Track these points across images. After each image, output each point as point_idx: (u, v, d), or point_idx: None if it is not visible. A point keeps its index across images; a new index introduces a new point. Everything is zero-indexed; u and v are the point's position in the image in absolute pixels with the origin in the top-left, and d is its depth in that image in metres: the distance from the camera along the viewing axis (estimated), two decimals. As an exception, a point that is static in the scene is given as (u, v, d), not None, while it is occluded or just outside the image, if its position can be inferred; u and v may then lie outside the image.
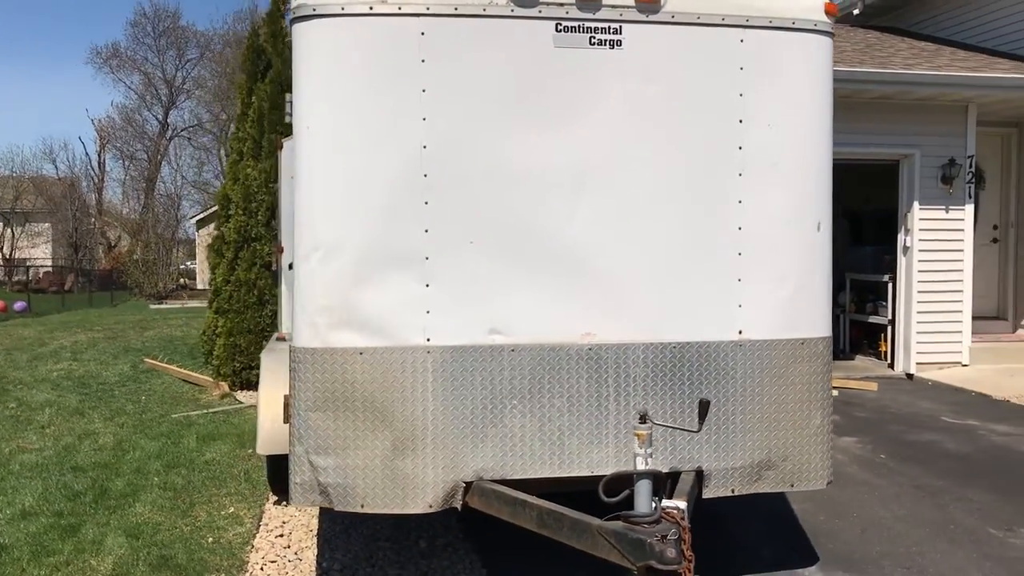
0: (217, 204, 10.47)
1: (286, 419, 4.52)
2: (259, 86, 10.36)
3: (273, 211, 10.04)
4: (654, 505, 3.58)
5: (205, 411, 8.82)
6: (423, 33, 4.16)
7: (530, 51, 4.24)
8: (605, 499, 3.63)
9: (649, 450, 3.66)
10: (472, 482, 4.28)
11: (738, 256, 4.45)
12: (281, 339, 6.75)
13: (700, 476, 4.45)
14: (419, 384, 4.25)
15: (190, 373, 10.97)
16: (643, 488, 3.57)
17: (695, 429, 3.71)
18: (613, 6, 4.25)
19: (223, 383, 10.06)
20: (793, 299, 4.52)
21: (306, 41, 4.20)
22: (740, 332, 4.46)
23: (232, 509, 5.82)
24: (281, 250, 9.32)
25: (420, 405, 4.25)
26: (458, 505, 4.28)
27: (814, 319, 4.57)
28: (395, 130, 4.21)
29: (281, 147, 9.31)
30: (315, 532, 5.66)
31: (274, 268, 9.49)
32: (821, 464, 4.61)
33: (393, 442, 4.24)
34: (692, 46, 4.34)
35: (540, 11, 4.22)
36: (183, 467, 6.73)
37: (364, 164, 4.21)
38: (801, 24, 4.45)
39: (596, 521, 3.65)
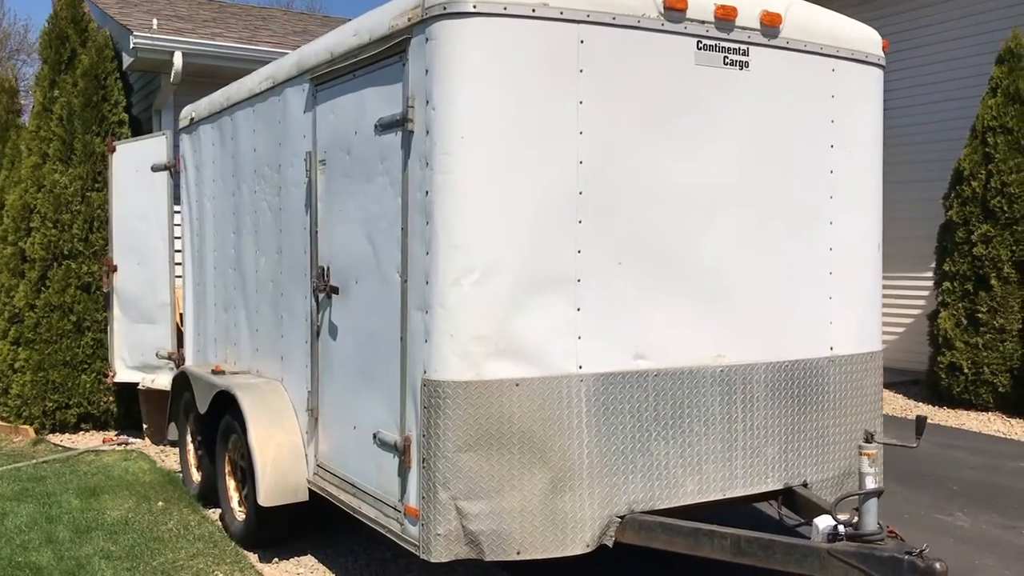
0: (7, 215, 8.84)
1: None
2: (63, 78, 8.90)
3: (92, 223, 8.70)
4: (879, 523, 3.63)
5: (30, 462, 7.40)
6: (582, 41, 3.91)
7: (675, 67, 4.13)
8: (836, 520, 3.63)
9: (877, 469, 3.72)
10: (625, 516, 4.06)
11: (829, 275, 4.64)
12: (218, 372, 5.90)
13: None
14: (574, 415, 3.96)
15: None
16: (872, 507, 3.61)
17: (913, 444, 3.82)
18: (743, 27, 4.27)
19: (28, 428, 8.49)
20: (866, 315, 4.81)
21: (460, 41, 3.76)
22: (831, 348, 4.65)
23: (220, 574, 4.97)
24: (114, 268, 8.16)
25: (576, 438, 3.96)
26: (610, 542, 4.04)
27: (878, 333, 4.89)
28: (555, 143, 3.90)
29: (113, 150, 8.20)
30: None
31: (105, 289, 8.26)
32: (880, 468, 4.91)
33: (552, 480, 3.91)
34: (799, 72, 4.47)
35: (685, 27, 4.13)
36: (99, 531, 5.61)
37: (524, 179, 3.86)
38: (871, 58, 4.74)
39: (824, 545, 3.63)
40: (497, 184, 3.83)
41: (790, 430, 4.51)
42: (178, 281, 7.68)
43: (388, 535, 4.18)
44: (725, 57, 4.25)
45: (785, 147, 4.46)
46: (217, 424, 5.80)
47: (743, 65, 4.30)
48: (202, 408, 5.81)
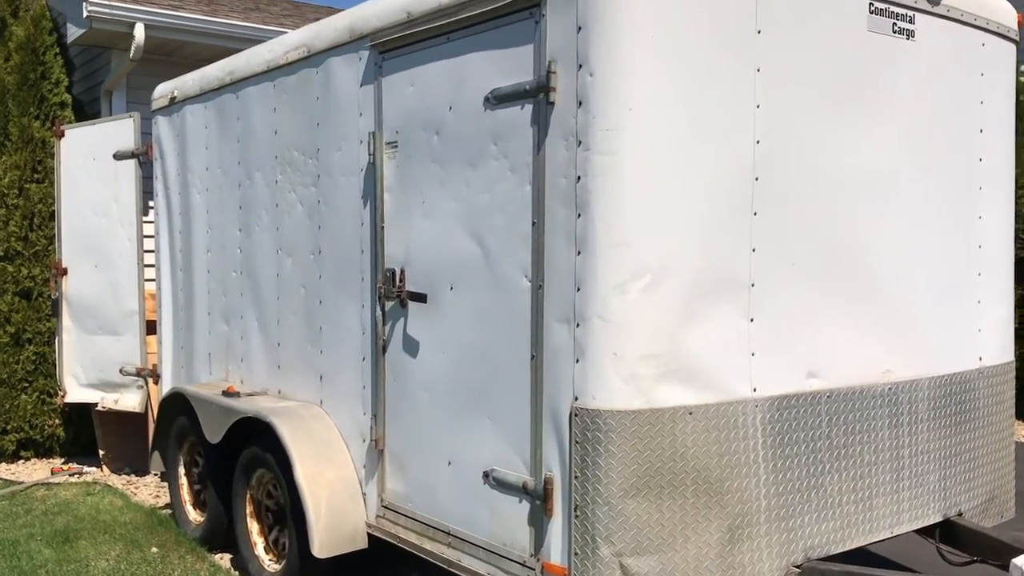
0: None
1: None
2: (-8, 53, 7.72)
3: (32, 220, 7.56)
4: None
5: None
6: (761, -4, 3.25)
7: (848, 33, 3.52)
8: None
9: None
10: (802, 565, 3.42)
11: (978, 276, 4.12)
12: (231, 393, 5.00)
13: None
14: (750, 448, 3.30)
15: None
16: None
17: None
18: (911, -10, 3.69)
19: (-47, 457, 7.31)
20: (1007, 319, 4.31)
21: (617, -4, 3.04)
22: (980, 359, 4.13)
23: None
24: (63, 272, 7.08)
25: (753, 475, 3.30)
26: (784, 596, 3.40)
27: (1012, 339, 4.39)
28: (730, 118, 3.23)
29: (62, 135, 7.11)
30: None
31: (52, 296, 7.17)
32: (1012, 489, 4.43)
33: (729, 527, 3.24)
34: (957, 46, 3.93)
35: (859, -14, 3.52)
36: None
37: (698, 160, 3.18)
38: (1010, 33, 4.25)
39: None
40: (670, 167, 3.13)
41: (948, 453, 3.97)
42: (148, 286, 6.67)
43: (512, 597, 3.43)
44: (894, 24, 3.66)
45: (942, 132, 3.91)
46: (232, 456, 4.90)
47: (909, 34, 3.71)
48: (214, 437, 4.90)
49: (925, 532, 3.98)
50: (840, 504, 3.55)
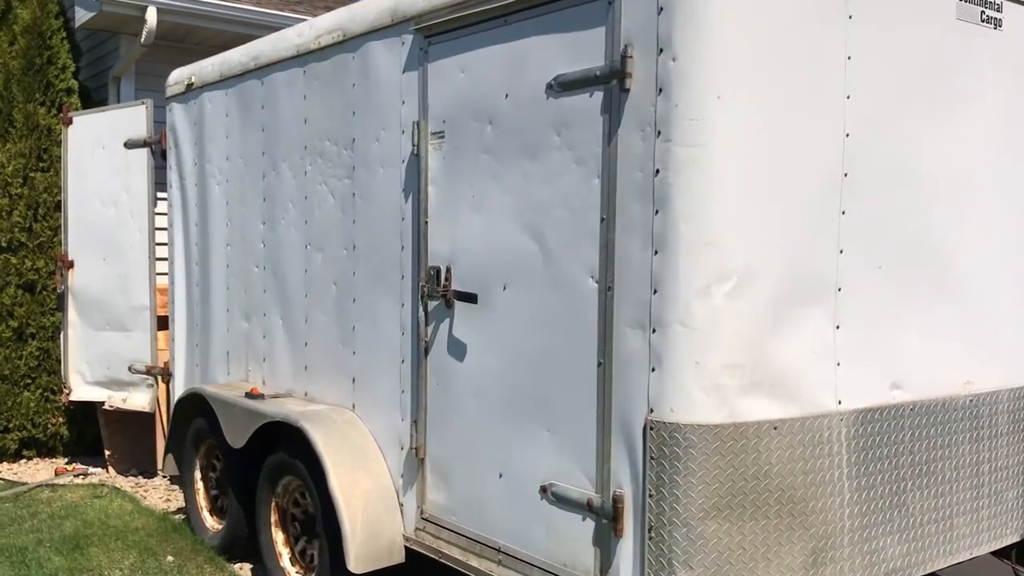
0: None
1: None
2: (-4, 36, 7.43)
3: (37, 210, 7.27)
4: None
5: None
6: (854, -22, 3.01)
7: (938, 20, 3.30)
8: None
9: None
10: (884, 590, 3.20)
11: (1054, 282, 3.89)
12: (255, 395, 4.74)
13: None
14: (835, 464, 3.07)
15: None
16: None
17: None
18: (1000, -24, 3.46)
19: (-50, 456, 7.03)
20: (1081, 329, 4.08)
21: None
22: (1055, 369, 3.90)
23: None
24: (69, 264, 6.80)
25: (837, 494, 3.07)
26: (866, 625, 3.17)
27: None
28: (820, 109, 3.00)
29: (69, 122, 6.84)
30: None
31: (57, 289, 6.89)
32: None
33: (812, 549, 3.01)
34: (1041, 36, 3.70)
35: (951, -31, 3.29)
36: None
37: (787, 154, 2.94)
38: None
39: None
40: (759, 160, 2.89)
41: (1020, 469, 3.74)
42: (159, 280, 6.41)
43: (573, 621, 3.19)
44: (982, 12, 3.43)
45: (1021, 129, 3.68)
46: (255, 461, 4.65)
47: (997, 24, 3.49)
48: (237, 441, 4.64)
49: (1001, 553, 3.76)
50: (921, 524, 3.32)
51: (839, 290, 3.07)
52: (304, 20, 7.68)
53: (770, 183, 2.90)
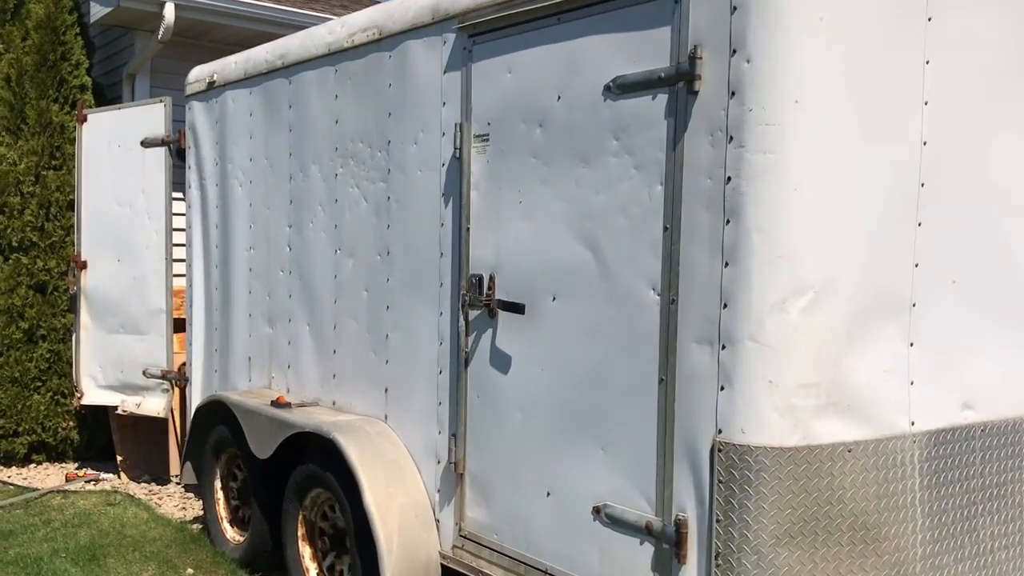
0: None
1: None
2: (8, 30, 7.25)
3: (49, 209, 7.11)
4: None
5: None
6: (933, -21, 2.87)
7: (1016, 23, 3.14)
8: None
9: None
10: (955, 623, 3.05)
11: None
12: (281, 403, 4.59)
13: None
14: (907, 489, 2.92)
15: None
16: None
17: None
18: (1076, -23, 3.31)
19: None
20: None
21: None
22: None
23: None
24: (83, 265, 6.65)
25: (910, 519, 2.92)
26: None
27: None
28: (897, 117, 2.86)
29: (84, 120, 6.69)
30: None
31: (70, 291, 6.74)
32: None
33: (885, 579, 2.86)
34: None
35: (1029, -31, 3.14)
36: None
37: (863, 165, 2.80)
38: None
39: None
40: (836, 168, 2.75)
41: (1088, 492, 3.59)
42: (176, 282, 6.25)
43: (628, 650, 3.04)
44: (1059, 16, 3.28)
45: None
46: (280, 472, 4.49)
47: (1071, 26, 3.33)
48: (263, 452, 4.48)
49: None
50: (992, 550, 3.18)
51: (913, 306, 2.92)
52: (322, 17, 7.58)
53: (846, 192, 2.76)
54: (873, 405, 2.84)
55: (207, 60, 5.63)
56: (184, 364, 6.04)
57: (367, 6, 8.81)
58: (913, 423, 2.94)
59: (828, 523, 2.75)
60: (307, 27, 4.97)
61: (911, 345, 2.93)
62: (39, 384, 7.04)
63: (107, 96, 7.73)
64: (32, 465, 7.07)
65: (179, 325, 6.22)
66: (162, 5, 6.77)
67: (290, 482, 4.42)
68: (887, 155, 2.83)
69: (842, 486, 2.77)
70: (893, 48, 2.82)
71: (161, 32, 6.83)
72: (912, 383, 2.94)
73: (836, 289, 2.74)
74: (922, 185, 2.91)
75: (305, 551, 4.40)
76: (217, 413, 5.07)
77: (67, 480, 6.66)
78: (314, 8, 8.06)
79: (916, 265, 2.92)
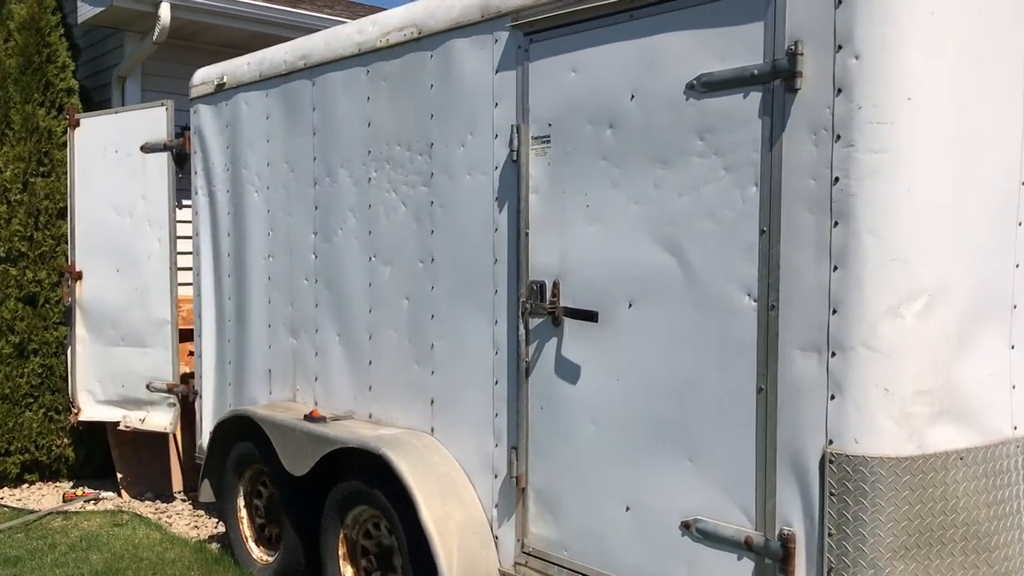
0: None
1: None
2: (-10, 33, 6.95)
3: (38, 218, 6.82)
4: None
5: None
6: (1037, -32, 2.80)
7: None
8: None
9: None
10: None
11: None
12: (316, 417, 4.41)
13: None
14: (1013, 495, 2.85)
15: None
16: None
17: None
18: None
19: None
20: None
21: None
22: None
23: None
24: (78, 276, 6.38)
25: (1017, 527, 2.85)
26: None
27: None
28: (1001, 115, 2.78)
29: (76, 124, 6.42)
30: None
31: (65, 303, 6.47)
32: None
33: (997, 589, 2.78)
34: None
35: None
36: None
37: (970, 164, 2.72)
38: None
39: None
40: (946, 168, 2.66)
41: None
42: (181, 292, 6.02)
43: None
44: None
45: None
46: (314, 487, 4.32)
47: None
48: (298, 469, 4.30)
49: None
50: (1082, 557, 3.12)
51: (1014, 307, 2.85)
52: (322, 17, 7.39)
53: (955, 193, 2.68)
54: (981, 411, 2.76)
55: (199, 62, 5.42)
56: (189, 375, 5.82)
57: (352, 6, 8.59)
58: (1016, 427, 2.86)
59: (942, 534, 2.66)
60: (307, 27, 4.82)
61: (1012, 348, 2.86)
62: (31, 400, 6.75)
63: (94, 100, 7.45)
64: (25, 485, 6.77)
65: (184, 336, 6.00)
66: (157, 5, 6.52)
67: (329, 499, 4.24)
68: (991, 154, 2.75)
69: (955, 495, 2.68)
70: (998, 44, 2.75)
71: (156, 33, 6.59)
72: (1014, 387, 2.86)
73: (948, 292, 2.65)
74: (1023, 184, 2.84)
75: (347, 571, 4.22)
76: (239, 428, 4.86)
77: (65, 500, 6.39)
78: (317, 8, 7.87)
79: (1017, 266, 2.85)
